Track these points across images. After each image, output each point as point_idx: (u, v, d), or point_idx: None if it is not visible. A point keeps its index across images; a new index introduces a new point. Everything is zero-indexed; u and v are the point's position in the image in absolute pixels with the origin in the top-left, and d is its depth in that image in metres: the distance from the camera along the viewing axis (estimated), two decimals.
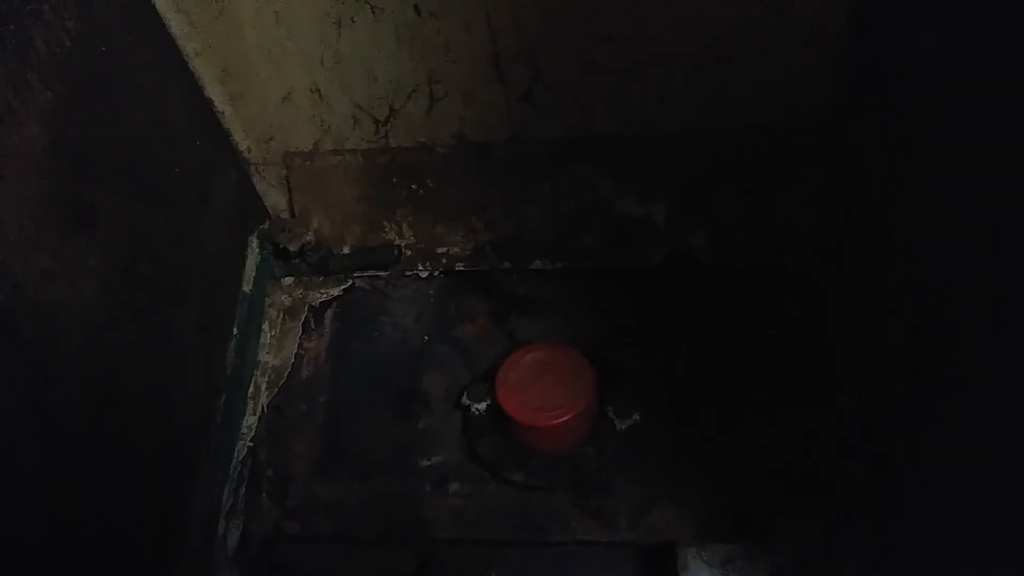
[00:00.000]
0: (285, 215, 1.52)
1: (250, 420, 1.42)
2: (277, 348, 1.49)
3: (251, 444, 1.41)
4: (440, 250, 1.51)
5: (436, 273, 1.52)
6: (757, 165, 1.37)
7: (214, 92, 1.34)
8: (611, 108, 1.34)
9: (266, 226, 1.51)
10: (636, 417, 1.34)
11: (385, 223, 1.50)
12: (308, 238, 1.49)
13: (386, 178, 1.46)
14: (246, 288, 1.46)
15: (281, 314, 1.52)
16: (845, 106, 1.28)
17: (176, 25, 1.24)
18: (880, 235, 1.19)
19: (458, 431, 1.40)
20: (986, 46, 0.86)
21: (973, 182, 0.89)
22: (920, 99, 1.03)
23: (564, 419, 1.29)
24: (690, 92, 1.29)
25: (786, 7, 1.19)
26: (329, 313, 1.53)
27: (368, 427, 1.43)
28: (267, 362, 1.48)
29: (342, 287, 1.53)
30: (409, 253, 1.52)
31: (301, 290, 1.53)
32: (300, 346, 1.49)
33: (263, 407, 1.44)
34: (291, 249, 1.49)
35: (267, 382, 1.46)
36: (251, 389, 1.45)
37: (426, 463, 1.38)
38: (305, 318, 1.51)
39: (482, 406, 1.37)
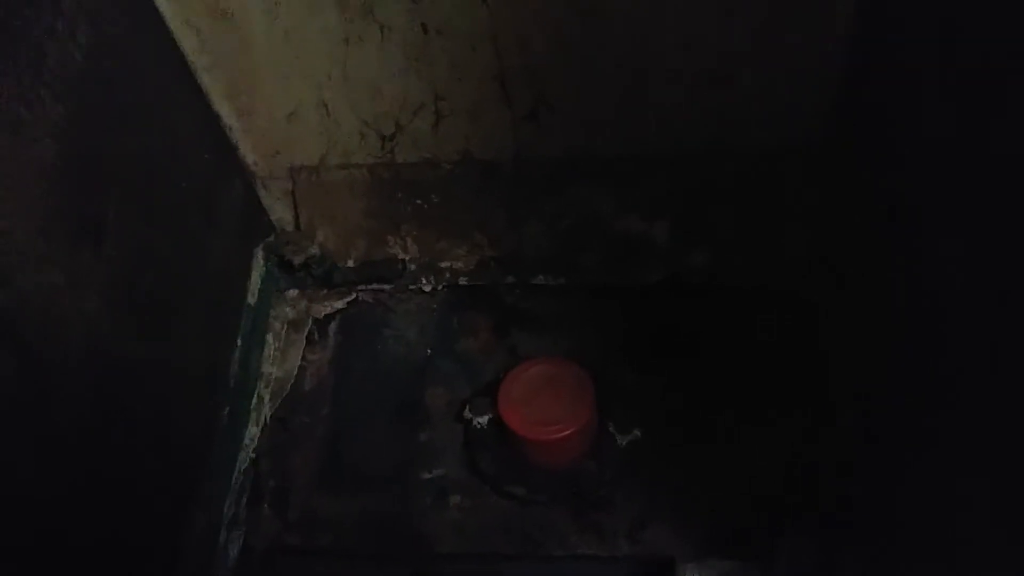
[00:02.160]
0: (290, 228, 1.53)
1: (253, 431, 1.43)
2: (281, 360, 1.50)
3: (253, 455, 1.42)
4: (444, 264, 1.52)
5: (439, 287, 1.53)
6: (756, 186, 1.38)
7: (222, 107, 1.35)
8: (613, 129, 1.35)
9: (271, 239, 1.52)
10: (637, 433, 1.35)
11: (390, 237, 1.51)
12: (313, 251, 1.51)
13: (391, 193, 1.47)
14: (251, 300, 1.46)
15: (285, 326, 1.53)
16: (844, 128, 1.29)
17: (186, 41, 1.25)
18: (878, 257, 1.20)
19: (459, 444, 1.41)
20: (984, 71, 0.86)
21: (970, 205, 0.89)
22: (918, 122, 1.04)
23: (565, 434, 1.30)
24: (691, 113, 1.31)
25: (786, 31, 1.20)
26: (333, 326, 1.54)
27: (370, 440, 1.44)
28: (270, 374, 1.49)
29: (346, 300, 1.54)
30: (413, 267, 1.53)
31: (305, 303, 1.55)
32: (304, 358, 1.50)
33: (266, 419, 1.45)
34: (296, 262, 1.50)
35: (270, 394, 1.47)
36: (254, 401, 1.45)
37: (427, 476, 1.39)
38: (309, 330, 1.52)
39: (484, 420, 1.38)
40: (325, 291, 1.55)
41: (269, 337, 1.51)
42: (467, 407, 1.40)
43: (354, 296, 1.54)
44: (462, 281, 1.52)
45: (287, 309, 1.54)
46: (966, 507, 0.91)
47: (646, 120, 1.33)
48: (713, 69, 1.25)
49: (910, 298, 1.07)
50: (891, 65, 1.13)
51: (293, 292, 1.55)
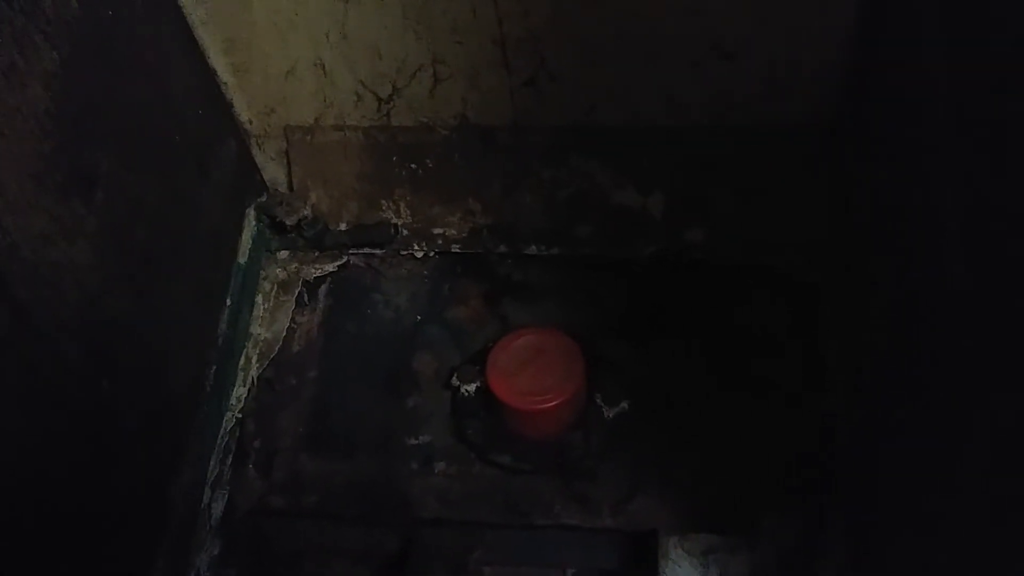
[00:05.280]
0: (283, 189, 1.52)
1: (240, 392, 1.43)
2: (269, 321, 1.49)
3: (239, 416, 1.41)
4: (436, 231, 1.51)
5: (431, 254, 1.52)
6: (755, 164, 1.37)
7: (218, 62, 1.34)
8: (613, 100, 1.34)
9: (264, 199, 1.51)
10: (624, 405, 1.35)
11: (383, 201, 1.50)
12: (305, 212, 1.49)
13: (386, 156, 1.46)
14: (241, 260, 1.45)
15: (275, 287, 1.52)
16: (846, 109, 1.28)
17: None
18: (875, 240, 1.20)
19: (446, 412, 1.40)
20: (990, 53, 0.86)
21: (971, 189, 0.89)
22: (921, 105, 1.03)
23: (552, 404, 1.30)
24: (692, 88, 1.30)
25: (791, 7, 1.19)
26: (323, 289, 1.53)
27: (357, 404, 1.43)
28: (259, 335, 1.48)
29: (337, 263, 1.53)
30: (405, 232, 1.52)
31: (296, 264, 1.53)
32: (292, 320, 1.49)
33: (253, 379, 1.44)
34: (288, 223, 1.48)
35: (258, 355, 1.46)
36: (242, 361, 1.45)
37: (413, 442, 1.39)
38: (299, 292, 1.51)
39: (471, 388, 1.38)
40: (316, 253, 1.54)
41: (258, 298, 1.50)
42: (455, 375, 1.40)
43: (345, 260, 1.53)
44: (454, 248, 1.52)
45: (277, 270, 1.53)
46: (951, 493, 0.92)
47: (647, 92, 1.32)
48: (716, 43, 1.24)
49: (905, 281, 1.07)
50: (895, 48, 1.13)
51: (284, 253, 1.54)
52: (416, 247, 1.52)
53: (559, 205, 1.45)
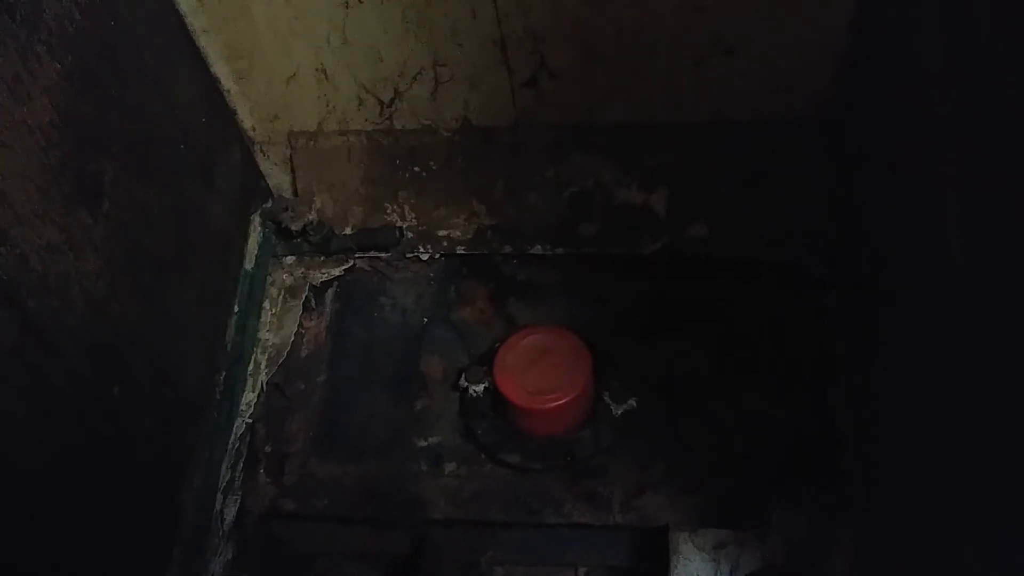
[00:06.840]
0: (288, 194, 1.53)
1: (249, 397, 1.43)
2: (277, 326, 1.50)
3: (250, 421, 1.42)
4: (441, 233, 1.51)
5: (437, 256, 1.52)
6: (758, 159, 1.38)
7: (221, 70, 1.34)
8: (615, 97, 1.34)
9: (269, 204, 1.51)
10: (632, 403, 1.36)
11: (387, 204, 1.50)
12: (310, 217, 1.50)
13: (389, 160, 1.46)
14: (248, 266, 1.46)
15: (282, 292, 1.52)
16: (847, 102, 1.28)
17: (184, 1, 1.24)
18: (877, 232, 1.20)
19: (455, 412, 1.41)
20: (988, 46, 0.86)
21: (972, 181, 0.89)
22: (921, 97, 1.03)
23: (560, 402, 1.30)
24: (693, 83, 1.30)
25: (792, 2, 1.19)
26: (330, 293, 1.54)
27: (366, 407, 1.44)
28: (267, 340, 1.49)
29: (343, 267, 1.54)
30: (410, 235, 1.52)
31: (302, 269, 1.54)
32: (300, 325, 1.50)
33: (262, 384, 1.45)
34: (293, 228, 1.49)
35: (267, 359, 1.47)
36: (251, 366, 1.45)
37: (423, 443, 1.40)
38: (306, 297, 1.52)
39: (480, 388, 1.38)
40: (322, 258, 1.54)
41: (266, 303, 1.51)
42: (463, 375, 1.40)
43: (351, 263, 1.54)
44: (459, 250, 1.52)
45: (284, 276, 1.54)
46: (958, 485, 0.92)
47: (648, 89, 1.32)
48: (717, 39, 1.25)
49: (908, 273, 1.07)
50: (894, 38, 1.13)
51: (290, 259, 1.55)
52: (421, 249, 1.52)
53: (563, 203, 1.46)
